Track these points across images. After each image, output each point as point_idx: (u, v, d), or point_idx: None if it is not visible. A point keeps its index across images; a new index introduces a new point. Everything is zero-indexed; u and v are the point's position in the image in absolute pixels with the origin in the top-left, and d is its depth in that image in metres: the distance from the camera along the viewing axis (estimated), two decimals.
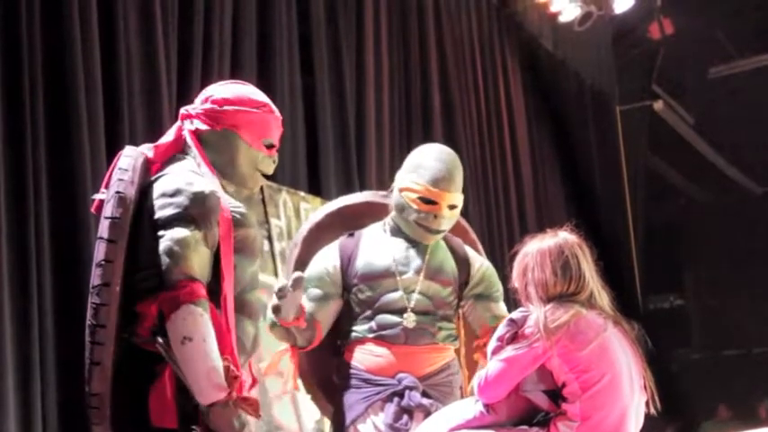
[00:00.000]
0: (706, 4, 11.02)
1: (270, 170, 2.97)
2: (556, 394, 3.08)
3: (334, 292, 3.55)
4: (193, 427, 2.60)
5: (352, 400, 3.50)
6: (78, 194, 4.49)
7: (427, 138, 7.76)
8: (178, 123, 2.94)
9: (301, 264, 3.65)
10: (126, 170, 2.73)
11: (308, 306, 3.47)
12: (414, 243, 3.60)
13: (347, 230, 3.66)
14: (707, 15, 11.27)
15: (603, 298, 3.17)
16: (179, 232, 2.65)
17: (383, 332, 3.50)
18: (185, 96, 5.30)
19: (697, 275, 14.32)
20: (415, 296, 3.53)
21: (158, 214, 2.69)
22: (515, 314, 3.15)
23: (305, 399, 5.44)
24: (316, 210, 4.30)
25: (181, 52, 5.37)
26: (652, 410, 3.19)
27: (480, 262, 3.75)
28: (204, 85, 5.38)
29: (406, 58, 7.70)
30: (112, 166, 2.81)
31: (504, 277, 3.44)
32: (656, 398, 3.19)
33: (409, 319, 3.50)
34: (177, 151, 2.89)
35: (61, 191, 4.46)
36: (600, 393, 3.03)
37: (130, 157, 2.78)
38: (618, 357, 3.08)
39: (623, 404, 3.06)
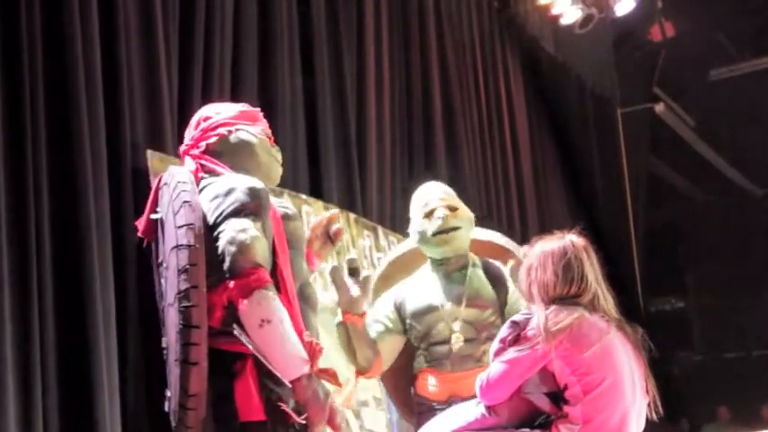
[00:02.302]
0: (707, 6, 11.02)
1: (280, 158, 3.06)
2: (557, 397, 3.08)
3: (395, 328, 3.83)
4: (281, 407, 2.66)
5: (420, 425, 3.69)
6: (79, 195, 4.48)
7: (428, 140, 7.77)
8: (186, 163, 3.00)
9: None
10: (186, 182, 2.79)
11: (371, 334, 3.78)
12: (451, 274, 3.83)
13: (407, 276, 3.97)
14: (708, 18, 11.28)
15: (609, 302, 3.17)
16: (241, 223, 2.71)
17: (434, 362, 3.75)
18: (186, 98, 5.32)
19: (698, 277, 14.31)
20: (459, 323, 3.74)
21: (215, 213, 2.75)
22: (518, 316, 3.16)
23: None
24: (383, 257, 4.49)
25: (182, 54, 5.36)
26: (654, 416, 3.19)
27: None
28: (205, 86, 5.46)
29: (407, 59, 7.70)
30: (155, 188, 2.91)
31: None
32: (658, 403, 3.18)
33: (458, 340, 3.72)
34: (199, 178, 2.94)
35: (62, 191, 4.46)
36: (601, 396, 3.02)
37: (183, 172, 2.85)
38: (620, 360, 3.08)
39: (625, 407, 3.06)
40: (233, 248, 2.66)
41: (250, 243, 2.67)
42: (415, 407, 3.84)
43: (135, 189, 4.82)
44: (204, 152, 2.96)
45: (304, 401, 2.63)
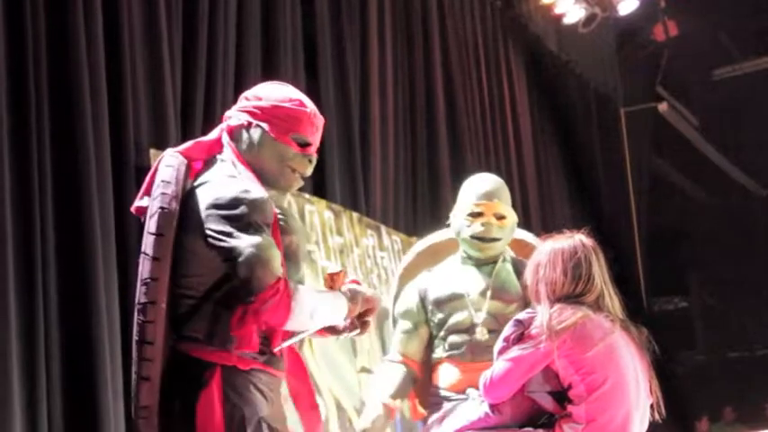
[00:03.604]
0: (710, 6, 11.01)
1: (305, 170, 2.87)
2: (561, 396, 3.08)
3: (420, 320, 3.84)
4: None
5: (436, 416, 3.71)
6: (83, 194, 4.49)
7: (431, 140, 7.77)
8: (214, 132, 2.92)
9: (397, 300, 4.01)
10: (169, 183, 2.70)
11: (398, 339, 3.85)
12: (480, 267, 3.84)
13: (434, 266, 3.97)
14: (711, 17, 11.27)
15: (615, 302, 3.17)
16: (253, 239, 2.61)
17: (453, 352, 3.74)
18: (189, 98, 5.32)
19: (701, 277, 14.30)
20: (482, 314, 3.74)
21: (218, 225, 2.64)
22: (522, 315, 3.16)
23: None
24: (406, 249, 4.82)
25: (185, 53, 5.37)
26: (657, 417, 3.19)
27: None
28: (208, 86, 5.46)
29: (410, 59, 7.70)
30: (153, 170, 2.79)
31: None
32: (662, 404, 3.18)
33: (483, 332, 3.71)
34: (218, 151, 2.85)
35: (66, 190, 4.47)
36: (605, 396, 3.02)
37: (172, 168, 2.74)
38: (624, 361, 3.08)
39: (628, 407, 3.06)
40: (253, 265, 2.57)
41: (271, 259, 2.60)
42: (431, 399, 3.82)
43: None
44: (230, 129, 2.86)
45: (369, 311, 2.77)
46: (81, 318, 4.41)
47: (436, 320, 3.80)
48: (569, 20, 9.43)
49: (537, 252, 3.22)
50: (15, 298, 4.13)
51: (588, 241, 3.21)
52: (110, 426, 4.35)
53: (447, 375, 3.73)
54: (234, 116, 2.87)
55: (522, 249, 3.95)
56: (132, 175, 4.84)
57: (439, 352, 3.78)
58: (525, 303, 3.75)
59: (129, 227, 4.71)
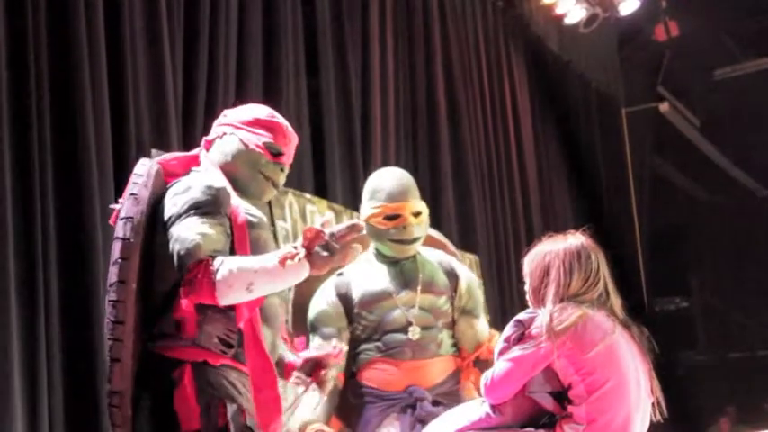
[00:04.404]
0: (711, 6, 11.01)
1: (277, 177, 2.98)
2: (562, 396, 3.08)
3: (342, 325, 3.75)
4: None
5: (369, 414, 3.68)
6: (84, 194, 4.49)
7: (432, 139, 7.77)
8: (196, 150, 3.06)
9: (298, 308, 3.88)
10: (140, 175, 2.82)
11: (316, 347, 3.65)
12: (401, 263, 3.79)
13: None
14: (712, 18, 11.27)
15: (615, 302, 3.16)
16: (190, 220, 2.69)
17: (390, 351, 3.69)
18: (191, 100, 5.32)
19: (702, 277, 14.29)
20: (415, 311, 3.71)
21: (171, 211, 2.74)
22: (523, 315, 3.15)
23: (308, 400, 5.42)
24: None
25: (186, 53, 5.37)
26: (658, 417, 3.19)
27: (465, 274, 3.93)
28: (210, 89, 5.46)
29: (411, 59, 7.70)
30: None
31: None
32: (663, 405, 3.18)
33: (414, 332, 3.68)
34: (195, 165, 2.97)
35: (67, 191, 4.47)
36: (605, 396, 3.02)
37: (145, 165, 2.87)
38: (625, 361, 3.07)
39: (628, 408, 3.05)
40: (177, 246, 2.65)
41: (196, 241, 2.64)
42: (354, 401, 3.76)
43: None
44: (207, 144, 3.01)
45: (322, 268, 2.65)
46: (82, 316, 4.41)
47: (365, 323, 3.74)
48: (571, 20, 9.43)
49: (542, 254, 3.16)
50: (16, 296, 4.13)
51: (591, 241, 3.20)
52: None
53: (381, 375, 3.70)
54: (212, 131, 3.02)
55: (428, 242, 3.96)
56: None
57: (371, 353, 3.72)
58: (450, 296, 3.79)
59: None
